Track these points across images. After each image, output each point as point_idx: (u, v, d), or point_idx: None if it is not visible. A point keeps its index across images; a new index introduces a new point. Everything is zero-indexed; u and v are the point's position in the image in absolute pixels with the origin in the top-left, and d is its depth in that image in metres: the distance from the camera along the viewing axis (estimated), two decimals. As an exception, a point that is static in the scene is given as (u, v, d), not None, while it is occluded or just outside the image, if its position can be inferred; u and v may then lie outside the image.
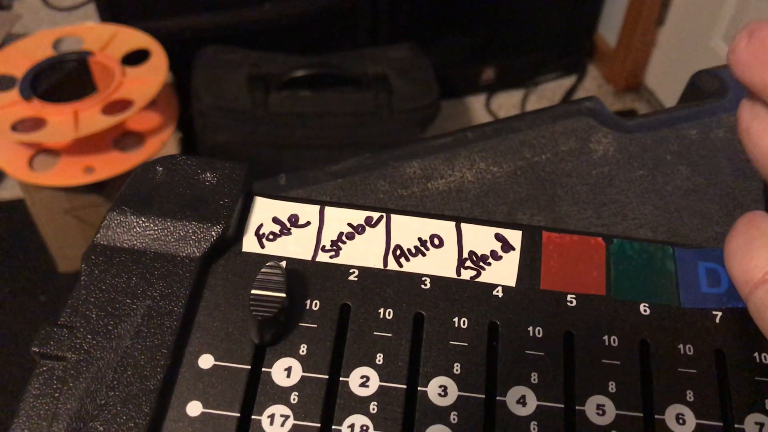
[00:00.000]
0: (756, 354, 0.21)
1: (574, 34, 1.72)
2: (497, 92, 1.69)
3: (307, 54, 1.41)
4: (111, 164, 1.14)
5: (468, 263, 0.23)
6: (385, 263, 0.22)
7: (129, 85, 1.16)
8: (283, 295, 0.20)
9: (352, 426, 0.19)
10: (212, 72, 1.33)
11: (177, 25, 1.40)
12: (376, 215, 0.23)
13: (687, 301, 0.22)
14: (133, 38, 1.25)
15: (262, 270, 0.20)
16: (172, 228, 0.22)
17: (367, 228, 0.23)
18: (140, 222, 0.22)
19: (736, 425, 0.20)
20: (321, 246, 0.23)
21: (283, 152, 1.28)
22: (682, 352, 0.21)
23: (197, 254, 0.21)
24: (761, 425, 0.20)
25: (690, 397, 0.21)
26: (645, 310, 0.22)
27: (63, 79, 1.20)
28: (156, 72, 1.20)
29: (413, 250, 0.23)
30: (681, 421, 0.20)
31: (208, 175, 0.22)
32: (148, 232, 0.21)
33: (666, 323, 0.22)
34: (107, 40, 1.23)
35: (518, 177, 0.36)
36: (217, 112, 1.26)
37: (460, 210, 0.34)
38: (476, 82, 1.68)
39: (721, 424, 0.20)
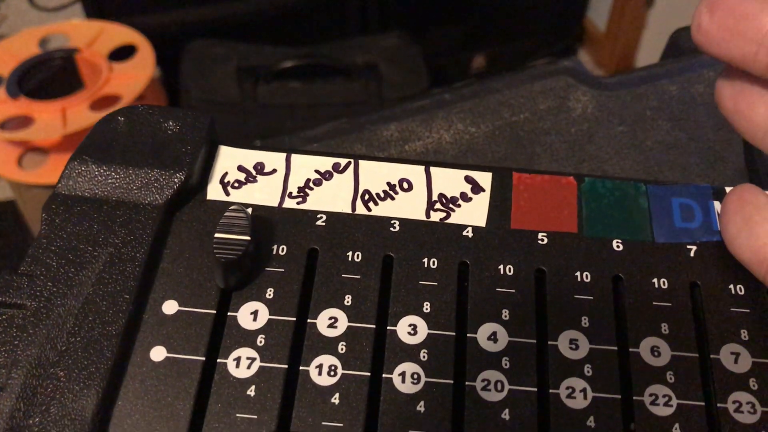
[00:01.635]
0: (731, 286, 0.21)
1: (564, 19, 1.72)
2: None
3: (296, 45, 1.41)
4: (101, 160, 1.13)
5: (437, 205, 0.22)
6: (354, 208, 0.22)
7: (116, 81, 1.15)
8: (248, 238, 0.19)
9: (320, 366, 0.19)
10: (200, 66, 1.32)
11: (164, 20, 1.39)
12: (343, 161, 0.23)
13: (661, 236, 0.22)
14: (120, 34, 1.25)
15: (226, 213, 0.20)
16: (133, 176, 0.21)
17: (334, 174, 0.23)
18: (101, 171, 0.21)
19: (711, 355, 0.20)
20: (288, 192, 0.22)
21: (273, 144, 1.28)
22: (656, 286, 0.21)
23: (160, 201, 0.21)
24: (737, 355, 0.20)
25: (665, 330, 0.20)
26: (618, 246, 0.22)
27: (50, 76, 1.20)
28: (143, 67, 1.19)
29: (382, 195, 0.22)
30: (656, 353, 0.20)
31: (171, 123, 0.22)
32: (109, 181, 0.21)
33: (639, 258, 0.22)
34: (93, 37, 1.23)
35: (496, 136, 0.35)
36: (205, 105, 1.26)
37: (439, 170, 0.34)
38: (467, 69, 1.68)
39: (697, 354, 0.20)
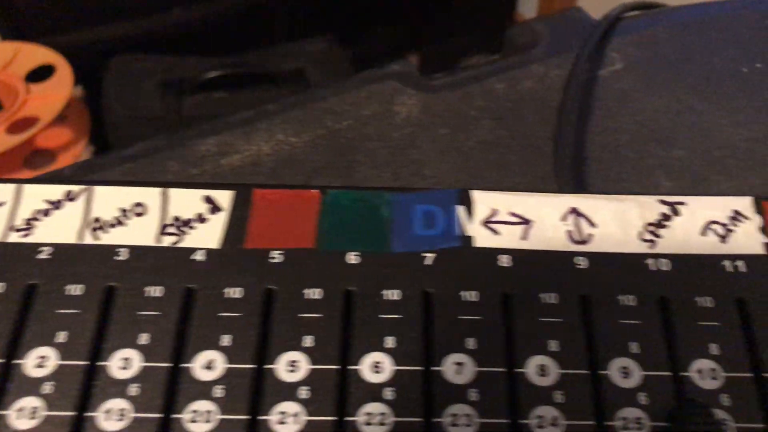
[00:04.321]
0: (462, 293, 0.21)
1: (495, 14, 1.72)
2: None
3: (223, 55, 1.39)
4: (21, 184, 1.11)
5: (170, 229, 0.22)
6: (81, 237, 0.21)
7: (34, 103, 1.13)
8: None
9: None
10: (123, 82, 1.30)
11: (85, 37, 1.37)
12: (77, 189, 0.22)
13: (398, 246, 0.22)
14: (37, 54, 1.22)
15: None
16: None
17: (66, 203, 0.22)
18: None
19: (432, 368, 0.20)
20: (11, 226, 0.21)
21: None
22: (385, 297, 0.21)
23: None
24: (460, 365, 0.20)
25: (389, 344, 0.20)
26: (354, 259, 0.21)
27: (-35, 101, 1.17)
28: (61, 87, 1.17)
29: (113, 222, 0.22)
30: (377, 369, 0.19)
31: None
32: None
33: (374, 269, 0.21)
34: (9, 59, 1.20)
35: (317, 146, 0.35)
36: (129, 121, 1.24)
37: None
38: (402, 70, 1.67)
39: (422, 368, 0.20)
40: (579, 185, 0.34)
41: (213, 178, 0.33)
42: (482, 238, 0.22)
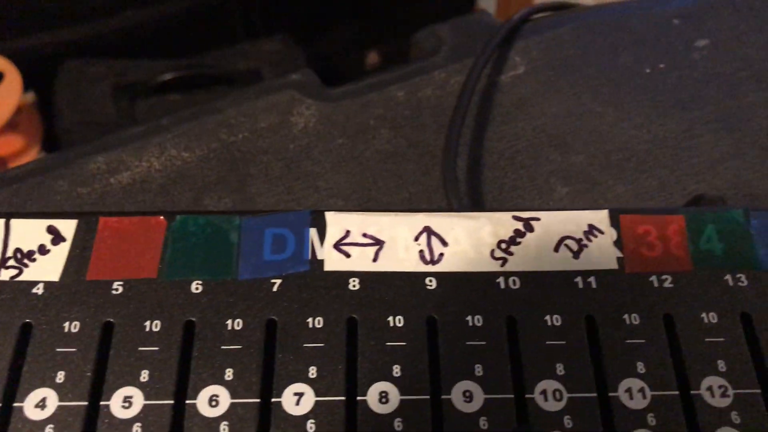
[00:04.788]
0: (308, 319, 0.20)
1: (454, 10, 1.72)
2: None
3: (179, 57, 1.37)
4: (-31, 194, 1.09)
5: (11, 262, 0.21)
6: None
7: (-20, 110, 1.11)
8: None
9: None
10: (75, 87, 1.28)
11: (34, 43, 1.34)
12: None
13: (245, 273, 0.21)
14: (-17, 60, 1.20)
15: None
16: None
17: None
18: None
19: (273, 399, 0.19)
20: None
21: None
22: (228, 327, 0.20)
23: None
24: (300, 395, 0.19)
25: (228, 376, 0.19)
26: (197, 288, 0.21)
27: None
28: (9, 94, 1.15)
29: None
30: (213, 403, 0.19)
31: None
32: None
33: (217, 299, 0.21)
34: (-45, 66, 1.18)
35: (210, 160, 0.34)
36: (81, 127, 1.22)
37: (143, 202, 0.32)
38: (362, 66, 1.67)
39: (259, 400, 0.19)
40: (472, 194, 0.33)
41: (101, 198, 0.32)
42: (333, 262, 0.21)
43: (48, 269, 0.21)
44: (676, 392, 0.20)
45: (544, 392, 0.20)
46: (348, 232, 0.22)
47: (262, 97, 0.36)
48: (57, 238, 0.21)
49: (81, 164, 0.34)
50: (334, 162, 0.34)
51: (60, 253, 0.21)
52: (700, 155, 0.35)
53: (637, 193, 0.33)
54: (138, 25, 1.40)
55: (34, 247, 0.21)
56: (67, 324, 0.20)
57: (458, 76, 0.37)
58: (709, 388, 0.20)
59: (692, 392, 0.20)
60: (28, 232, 0.22)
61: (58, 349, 0.20)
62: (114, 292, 0.21)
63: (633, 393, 0.20)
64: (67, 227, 0.22)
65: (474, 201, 0.33)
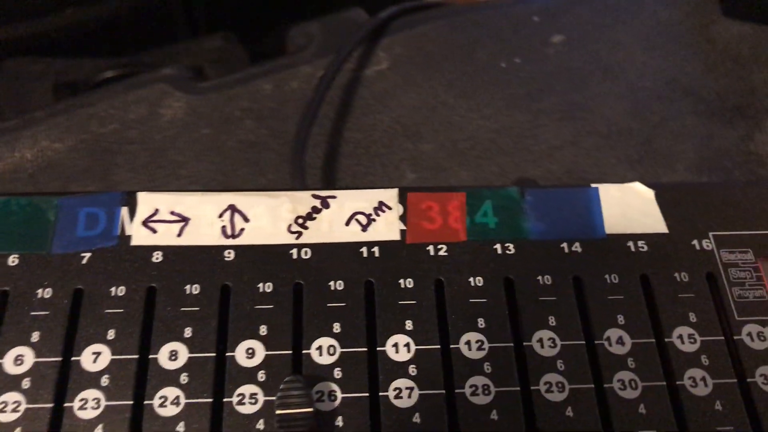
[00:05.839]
0: (111, 288, 0.23)
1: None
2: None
3: (121, 55, 1.37)
4: None
5: None
6: None
7: None
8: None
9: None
10: (14, 85, 1.28)
11: (-28, 41, 1.34)
12: None
13: (58, 247, 0.23)
14: None
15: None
16: None
17: None
18: None
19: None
20: None
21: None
22: (38, 296, 0.22)
23: None
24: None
25: (35, 339, 0.22)
26: (13, 261, 0.23)
27: None
28: (-57, 91, 1.15)
29: None
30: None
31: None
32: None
33: (30, 270, 0.23)
34: None
35: (80, 151, 0.36)
36: (18, 125, 1.22)
37: (13, 189, 0.34)
38: (308, 64, 1.68)
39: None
40: (327, 180, 0.36)
41: (-30, 186, 0.34)
42: (140, 237, 0.24)
43: None
44: (437, 346, 0.22)
45: (320, 348, 0.22)
46: (157, 210, 0.24)
47: (132, 91, 0.38)
48: None
49: (-47, 155, 0.35)
50: (197, 151, 0.36)
51: None
52: (540, 143, 0.37)
53: (477, 177, 0.36)
54: (79, 23, 1.40)
55: None
56: None
57: (324, 70, 0.40)
58: (468, 343, 0.22)
59: (452, 346, 0.22)
60: None
61: None
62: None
63: (399, 347, 0.22)
64: None
65: (325, 187, 0.35)
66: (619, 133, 0.38)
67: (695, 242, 0.25)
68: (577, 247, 0.24)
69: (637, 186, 0.26)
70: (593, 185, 0.26)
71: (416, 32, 0.42)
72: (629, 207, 0.25)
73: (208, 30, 1.56)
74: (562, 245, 0.24)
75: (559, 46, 0.42)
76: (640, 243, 0.24)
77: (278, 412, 0.20)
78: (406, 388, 0.22)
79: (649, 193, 0.25)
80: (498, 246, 0.24)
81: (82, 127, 0.37)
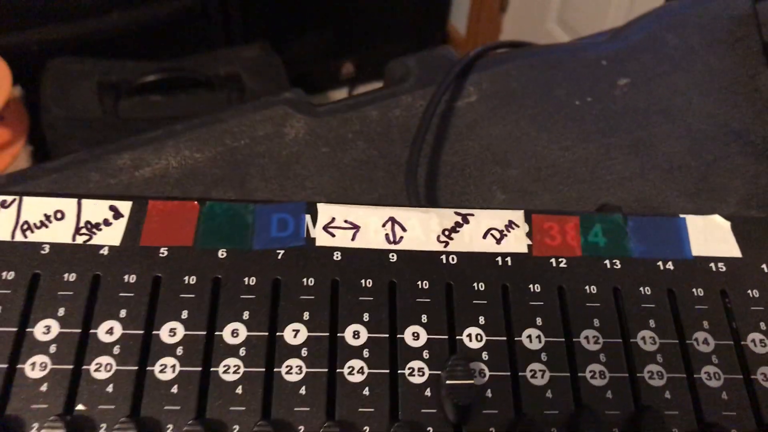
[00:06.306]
0: (303, 279, 0.28)
1: (428, 25, 1.81)
2: (358, 85, 1.76)
3: (160, 59, 1.44)
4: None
5: (83, 230, 0.28)
6: (13, 236, 0.28)
7: (-30, 103, 1.16)
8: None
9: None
10: (60, 83, 1.34)
11: (23, 39, 1.40)
12: (9, 198, 0.29)
13: (258, 244, 0.29)
14: (-26, 55, 1.25)
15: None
16: None
17: (1, 209, 0.28)
18: None
19: (277, 333, 0.27)
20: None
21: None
22: (246, 283, 0.28)
23: None
24: (297, 332, 0.27)
25: (245, 316, 0.27)
26: (222, 255, 0.28)
27: None
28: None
29: (38, 224, 0.28)
30: (235, 333, 0.27)
31: None
32: None
33: (238, 262, 0.28)
34: (-54, 59, 1.23)
35: (217, 161, 0.42)
36: (66, 122, 1.28)
37: (162, 192, 0.40)
38: (337, 76, 1.75)
39: (266, 333, 0.27)
40: (429, 197, 0.42)
41: (128, 188, 0.40)
42: (322, 240, 0.29)
43: (111, 236, 0.28)
44: (563, 339, 0.28)
45: (469, 335, 0.28)
46: (333, 218, 0.30)
47: (259, 111, 0.44)
48: (117, 214, 0.29)
49: (110, 160, 0.41)
50: (318, 166, 0.42)
51: (119, 225, 0.29)
52: (612, 174, 0.43)
53: (559, 201, 0.42)
54: (123, 26, 1.47)
55: (100, 220, 0.29)
56: (126, 276, 0.27)
57: (422, 100, 0.45)
58: (586, 337, 0.28)
59: (574, 340, 0.28)
60: (95, 210, 0.29)
61: (120, 294, 0.27)
62: (161, 255, 0.28)
63: (532, 338, 0.28)
64: (125, 206, 0.29)
65: (430, 202, 0.41)
66: (679, 168, 0.44)
67: (764, 266, 0.30)
68: (670, 265, 0.30)
69: (717, 218, 0.31)
70: (681, 216, 0.31)
71: (500, 70, 0.48)
72: (711, 234, 0.31)
73: (243, 39, 1.61)
74: (658, 263, 0.30)
75: (625, 88, 0.48)
76: (720, 264, 0.30)
77: (448, 382, 0.26)
78: (539, 371, 0.27)
79: (726, 224, 0.31)
80: (607, 261, 0.30)
81: (218, 140, 0.42)
